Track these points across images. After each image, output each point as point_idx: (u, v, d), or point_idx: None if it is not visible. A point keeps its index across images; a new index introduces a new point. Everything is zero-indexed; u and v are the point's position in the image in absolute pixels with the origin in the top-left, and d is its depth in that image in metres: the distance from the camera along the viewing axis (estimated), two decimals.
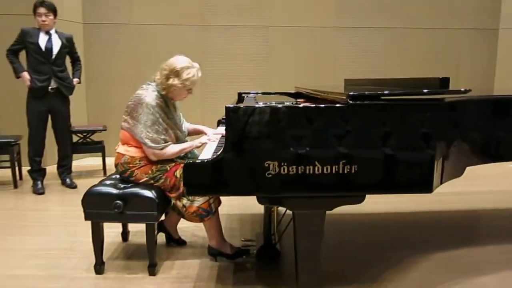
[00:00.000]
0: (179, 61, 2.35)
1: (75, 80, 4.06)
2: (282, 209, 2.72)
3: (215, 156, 1.70)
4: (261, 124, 1.66)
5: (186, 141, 2.51)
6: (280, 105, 1.70)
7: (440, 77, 1.64)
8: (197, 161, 1.74)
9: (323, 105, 1.67)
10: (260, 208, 3.40)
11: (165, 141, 2.32)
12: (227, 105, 1.68)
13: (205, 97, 5.42)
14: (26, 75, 3.73)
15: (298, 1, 5.43)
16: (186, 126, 2.64)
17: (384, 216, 3.27)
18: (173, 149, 2.35)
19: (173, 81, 2.32)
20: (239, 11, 5.37)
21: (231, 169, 1.69)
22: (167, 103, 2.39)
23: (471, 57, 5.81)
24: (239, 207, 3.43)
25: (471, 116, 1.96)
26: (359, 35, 5.57)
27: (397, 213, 3.36)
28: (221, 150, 1.69)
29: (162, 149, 2.30)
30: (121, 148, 2.39)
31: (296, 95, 3.19)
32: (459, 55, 5.79)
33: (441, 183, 1.82)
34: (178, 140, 2.43)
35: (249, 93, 3.30)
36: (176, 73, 2.31)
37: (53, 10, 3.80)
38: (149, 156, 2.32)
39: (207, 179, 1.70)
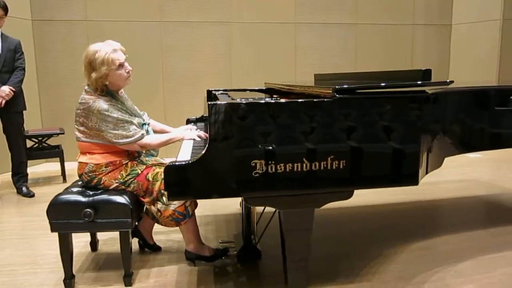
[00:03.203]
0: (86, 55, 2.15)
1: (6, 87, 3.49)
2: (260, 207, 2.66)
3: (198, 157, 1.60)
4: (246, 121, 1.58)
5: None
6: (264, 101, 1.63)
7: (423, 69, 1.64)
8: (178, 162, 1.64)
9: (308, 100, 1.62)
10: (233, 208, 3.34)
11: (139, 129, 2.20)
12: (209, 102, 1.59)
13: (167, 94, 5.27)
14: None
15: None
16: (153, 123, 2.49)
17: (356, 210, 3.29)
18: (158, 138, 2.25)
19: (95, 74, 2.12)
20: (200, 7, 5.24)
21: (216, 169, 1.60)
22: (115, 98, 2.22)
23: (425, 52, 6.01)
24: (211, 208, 3.33)
25: (452, 107, 1.98)
26: (318, 30, 5.60)
27: (367, 206, 3.39)
28: (205, 149, 1.60)
29: (141, 138, 2.16)
30: (83, 158, 2.21)
31: (268, 92, 3.13)
32: (413, 51, 5.96)
33: (426, 173, 1.83)
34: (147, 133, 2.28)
35: (218, 91, 3.19)
36: (89, 67, 2.14)
37: (7, 11, 3.50)
38: (139, 150, 2.22)
39: (191, 181, 1.61)
